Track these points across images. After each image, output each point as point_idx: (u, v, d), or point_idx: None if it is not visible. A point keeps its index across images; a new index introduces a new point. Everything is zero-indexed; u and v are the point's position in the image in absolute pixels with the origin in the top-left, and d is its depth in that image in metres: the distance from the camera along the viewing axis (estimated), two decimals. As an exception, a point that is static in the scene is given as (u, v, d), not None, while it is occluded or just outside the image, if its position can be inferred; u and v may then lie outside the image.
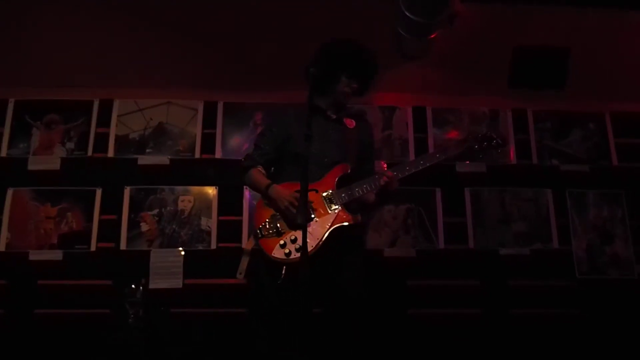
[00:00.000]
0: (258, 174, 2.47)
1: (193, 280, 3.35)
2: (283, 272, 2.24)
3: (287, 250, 2.26)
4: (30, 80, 3.57)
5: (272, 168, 2.56)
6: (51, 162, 3.49)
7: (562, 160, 3.75)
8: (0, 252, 3.33)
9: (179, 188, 3.51)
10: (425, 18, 3.11)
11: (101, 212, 3.43)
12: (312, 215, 2.32)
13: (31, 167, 3.47)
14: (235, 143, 3.58)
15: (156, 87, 3.65)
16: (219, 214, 3.48)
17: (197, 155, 3.57)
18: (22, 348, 3.16)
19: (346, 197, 2.37)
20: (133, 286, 3.20)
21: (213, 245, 3.42)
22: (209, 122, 3.63)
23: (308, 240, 1.96)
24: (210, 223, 3.46)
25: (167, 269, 3.35)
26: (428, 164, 2.47)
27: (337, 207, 2.35)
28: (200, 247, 3.42)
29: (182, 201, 3.49)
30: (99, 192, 3.46)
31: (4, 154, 3.51)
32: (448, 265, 3.50)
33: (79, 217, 3.42)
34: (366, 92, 2.61)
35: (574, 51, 3.62)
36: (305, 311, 1.94)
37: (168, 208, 3.48)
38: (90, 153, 3.53)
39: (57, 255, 3.33)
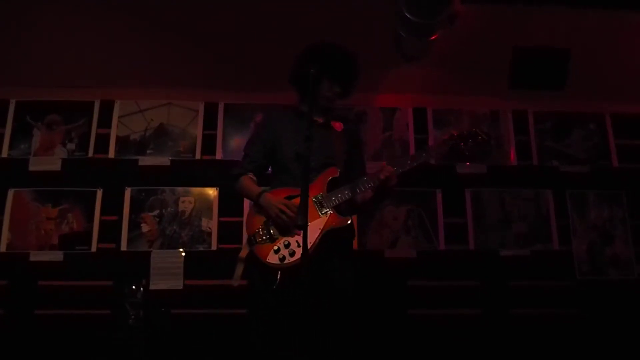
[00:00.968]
0: (249, 181, 2.47)
1: (193, 281, 3.35)
2: (278, 277, 2.25)
3: (281, 256, 2.27)
4: (31, 81, 3.57)
5: (264, 172, 2.55)
6: (52, 162, 3.49)
7: (563, 161, 3.75)
8: (1, 253, 3.34)
9: (180, 189, 3.51)
10: (425, 19, 3.10)
11: (102, 213, 3.44)
12: None
13: (32, 167, 3.48)
14: (236, 144, 3.57)
15: (157, 88, 3.65)
16: (219, 215, 3.48)
17: (198, 156, 3.57)
18: (22, 348, 3.16)
19: (336, 200, 2.37)
20: (133, 287, 3.21)
21: (213, 246, 3.42)
22: (209, 123, 3.64)
23: (301, 243, 1.96)
24: (211, 224, 3.46)
25: (167, 269, 3.35)
26: (415, 164, 2.42)
27: (327, 210, 2.35)
28: (201, 248, 3.42)
29: (183, 202, 3.50)
30: (99, 192, 3.46)
31: (4, 154, 3.51)
32: (448, 266, 3.50)
33: (79, 218, 3.42)
34: (350, 95, 2.56)
35: (574, 52, 3.62)
36: (305, 311, 1.94)
37: (169, 209, 3.48)
38: (91, 154, 3.54)
39: (57, 255, 3.33)
